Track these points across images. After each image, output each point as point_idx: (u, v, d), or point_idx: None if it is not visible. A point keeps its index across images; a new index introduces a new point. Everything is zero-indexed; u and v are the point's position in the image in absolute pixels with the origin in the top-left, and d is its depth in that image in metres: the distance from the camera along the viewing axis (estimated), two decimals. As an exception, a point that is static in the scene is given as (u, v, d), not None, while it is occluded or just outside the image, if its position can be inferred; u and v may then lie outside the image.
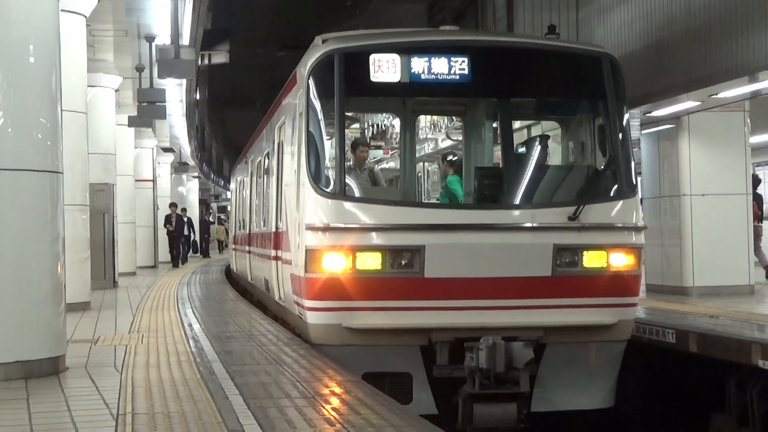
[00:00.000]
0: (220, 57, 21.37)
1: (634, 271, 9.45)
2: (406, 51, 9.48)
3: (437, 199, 11.85)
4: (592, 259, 9.29)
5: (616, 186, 9.61)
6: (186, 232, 34.44)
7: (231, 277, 24.02)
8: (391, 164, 15.83)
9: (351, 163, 10.86)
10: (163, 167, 37.95)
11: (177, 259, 31.93)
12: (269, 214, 13.16)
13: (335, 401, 6.47)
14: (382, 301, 9.07)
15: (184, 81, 21.64)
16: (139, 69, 20.34)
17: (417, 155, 12.80)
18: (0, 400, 6.67)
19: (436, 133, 14.23)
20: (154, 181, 32.35)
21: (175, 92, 23.30)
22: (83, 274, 14.59)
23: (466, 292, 9.08)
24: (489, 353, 8.64)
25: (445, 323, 9.06)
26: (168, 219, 31.90)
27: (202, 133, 42.06)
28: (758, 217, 17.66)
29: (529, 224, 9.23)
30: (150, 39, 18.17)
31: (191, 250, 36.32)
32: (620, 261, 9.35)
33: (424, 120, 13.65)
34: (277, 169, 12.30)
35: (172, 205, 33.08)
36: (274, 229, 12.26)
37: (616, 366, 9.61)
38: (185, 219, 34.41)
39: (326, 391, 6.92)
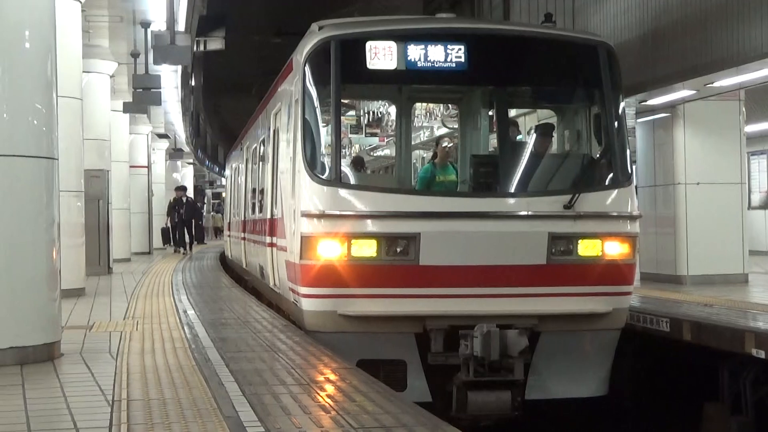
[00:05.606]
0: (215, 43, 21.26)
1: (628, 260, 9.46)
2: (403, 38, 9.46)
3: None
4: (587, 248, 9.31)
5: (611, 175, 9.62)
6: None
7: (226, 264, 24.00)
8: (386, 152, 15.83)
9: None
10: (158, 153, 37.84)
11: None
12: (265, 201, 13.15)
13: (330, 388, 6.48)
14: (377, 288, 9.07)
15: (180, 67, 21.57)
16: (135, 55, 20.29)
17: (413, 143, 12.79)
18: (-5, 385, 6.68)
19: (432, 120, 14.23)
20: (149, 167, 32.25)
21: (170, 78, 23.25)
22: (78, 261, 14.55)
23: (461, 279, 9.09)
24: (484, 341, 8.66)
25: (440, 311, 9.07)
26: None
27: (197, 119, 41.97)
28: None
29: (524, 212, 9.23)
30: (145, 25, 18.12)
31: None
32: (615, 249, 9.36)
33: (420, 107, 13.64)
34: (272, 155, 12.28)
35: None
36: (269, 216, 12.25)
37: (610, 354, 9.64)
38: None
39: (321, 378, 6.93)
